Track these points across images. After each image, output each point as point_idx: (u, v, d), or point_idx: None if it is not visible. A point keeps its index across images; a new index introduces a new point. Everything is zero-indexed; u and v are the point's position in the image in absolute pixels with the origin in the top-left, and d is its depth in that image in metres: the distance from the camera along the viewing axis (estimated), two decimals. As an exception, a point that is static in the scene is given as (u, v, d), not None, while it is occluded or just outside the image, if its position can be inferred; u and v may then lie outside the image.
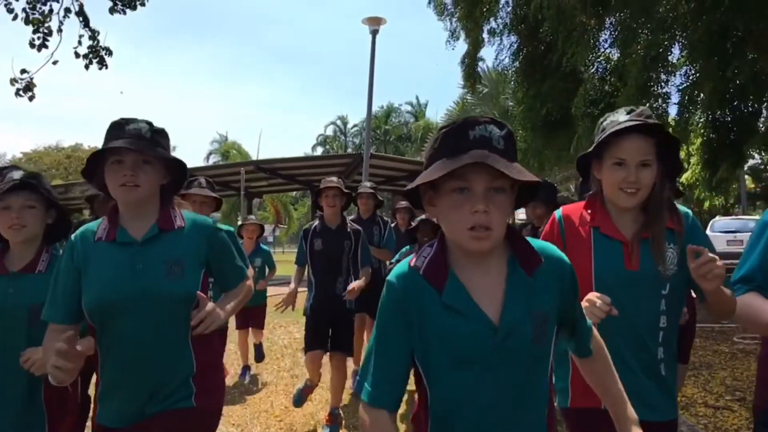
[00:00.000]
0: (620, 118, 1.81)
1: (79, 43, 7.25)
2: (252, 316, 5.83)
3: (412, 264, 1.34)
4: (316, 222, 4.43)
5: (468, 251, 1.27)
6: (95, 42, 7.31)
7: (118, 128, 1.82)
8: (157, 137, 1.87)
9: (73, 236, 1.89)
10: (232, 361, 6.14)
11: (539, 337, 1.28)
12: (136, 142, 1.79)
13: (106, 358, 1.82)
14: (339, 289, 4.27)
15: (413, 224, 4.64)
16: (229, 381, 5.59)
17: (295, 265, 4.53)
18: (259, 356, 6.14)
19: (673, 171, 1.88)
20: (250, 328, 5.98)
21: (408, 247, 4.50)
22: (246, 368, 5.89)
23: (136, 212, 1.87)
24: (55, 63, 6.85)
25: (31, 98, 7.10)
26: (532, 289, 1.29)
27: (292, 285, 4.39)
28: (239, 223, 6.51)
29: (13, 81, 6.96)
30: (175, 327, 1.83)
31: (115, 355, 1.80)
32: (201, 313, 1.79)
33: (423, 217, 4.68)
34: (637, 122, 1.76)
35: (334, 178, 4.39)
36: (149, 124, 1.87)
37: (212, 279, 2.04)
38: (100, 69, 7.42)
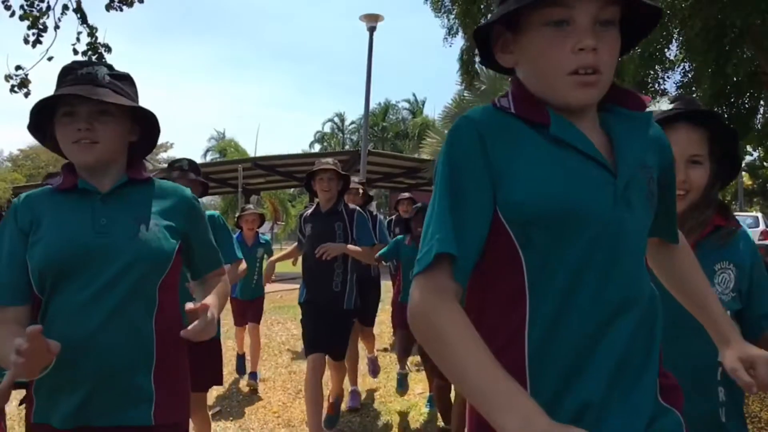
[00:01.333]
0: (663, 106, 1.53)
1: (78, 39, 7.24)
2: (250, 309, 5.49)
3: (496, 104, 1.05)
4: (312, 207, 4.04)
5: (565, 104, 0.99)
6: (94, 39, 7.30)
7: (68, 73, 1.49)
8: (118, 83, 1.51)
9: (15, 200, 1.56)
10: (230, 357, 6.14)
11: (651, 195, 1.03)
12: (91, 89, 1.45)
13: (50, 337, 1.34)
14: (336, 283, 3.76)
15: (408, 214, 4.65)
16: (227, 377, 5.59)
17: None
18: (253, 380, 5.41)
19: (730, 172, 1.55)
20: (246, 326, 5.61)
21: (401, 236, 4.49)
22: (241, 358, 5.63)
23: (96, 176, 1.53)
24: (50, 59, 6.83)
25: (26, 94, 7.08)
26: (641, 136, 1.04)
27: (273, 258, 4.32)
28: (237, 215, 6.00)
29: (8, 77, 6.94)
30: (140, 299, 1.50)
31: (62, 330, 1.40)
32: (201, 322, 1.44)
33: (419, 205, 4.69)
34: (685, 110, 1.47)
35: (330, 160, 3.88)
36: (109, 67, 1.53)
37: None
38: (100, 65, 7.40)
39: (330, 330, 3.76)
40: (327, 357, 3.88)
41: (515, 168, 0.96)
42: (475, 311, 1.02)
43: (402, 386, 4.63)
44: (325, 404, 4.21)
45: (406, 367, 4.67)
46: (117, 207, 1.51)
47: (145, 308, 1.51)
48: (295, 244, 4.27)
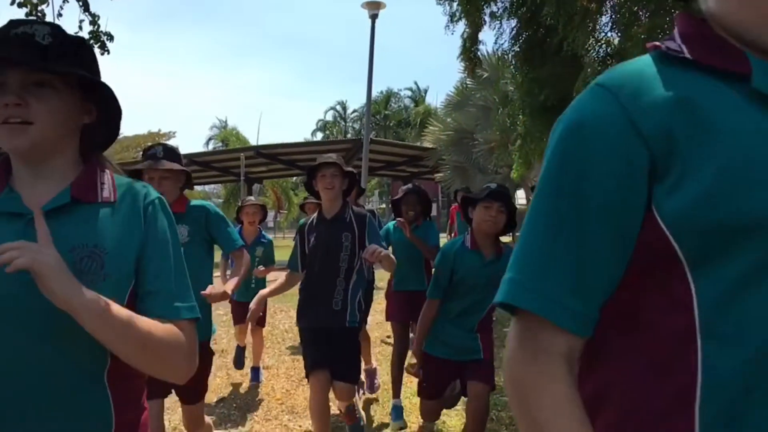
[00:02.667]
0: None
1: (80, 28, 7.23)
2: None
3: (660, 47, 0.72)
4: (315, 215, 3.49)
5: None
6: (96, 27, 7.29)
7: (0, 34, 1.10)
8: (64, 47, 1.12)
9: None
10: (231, 347, 6.18)
11: None
12: (24, 52, 1.08)
13: None
14: (336, 301, 3.24)
15: (397, 195, 4.62)
16: (229, 365, 5.63)
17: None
18: (255, 377, 5.10)
19: None
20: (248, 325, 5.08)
21: (393, 222, 4.48)
22: (241, 350, 5.28)
23: (36, 168, 1.14)
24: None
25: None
26: None
27: (264, 291, 3.45)
28: (237, 206, 5.33)
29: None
30: (84, 356, 1.07)
31: None
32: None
33: (408, 186, 4.68)
34: None
35: (333, 155, 3.40)
36: (52, 26, 1.13)
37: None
38: (102, 54, 7.38)
39: (333, 347, 3.24)
40: (335, 382, 3.26)
41: (695, 147, 0.64)
42: (596, 379, 0.72)
43: (398, 419, 4.09)
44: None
45: (402, 388, 4.39)
46: (53, 233, 1.06)
47: (99, 363, 1.10)
48: (285, 274, 3.50)
